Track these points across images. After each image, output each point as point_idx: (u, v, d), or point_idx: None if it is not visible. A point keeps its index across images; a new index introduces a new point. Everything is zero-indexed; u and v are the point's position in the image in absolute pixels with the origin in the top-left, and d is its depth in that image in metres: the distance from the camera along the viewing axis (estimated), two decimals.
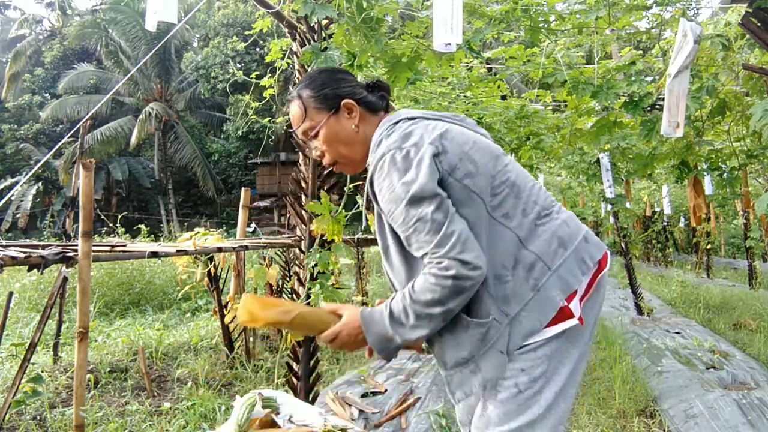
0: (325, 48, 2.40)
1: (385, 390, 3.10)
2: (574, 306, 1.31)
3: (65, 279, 3.17)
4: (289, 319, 1.37)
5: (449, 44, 1.70)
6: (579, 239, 1.37)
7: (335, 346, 1.39)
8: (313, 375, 2.76)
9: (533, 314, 1.30)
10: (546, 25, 2.95)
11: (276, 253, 5.59)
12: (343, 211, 2.42)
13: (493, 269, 1.30)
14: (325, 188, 2.70)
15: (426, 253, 1.27)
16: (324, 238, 2.56)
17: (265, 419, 1.87)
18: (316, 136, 1.49)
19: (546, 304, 1.30)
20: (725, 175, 4.19)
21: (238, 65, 23.65)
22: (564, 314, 1.30)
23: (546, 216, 1.37)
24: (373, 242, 5.28)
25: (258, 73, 4.21)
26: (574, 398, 1.39)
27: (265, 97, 3.84)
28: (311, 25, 2.72)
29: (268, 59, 3.61)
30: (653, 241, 14.72)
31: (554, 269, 1.31)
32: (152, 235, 11.08)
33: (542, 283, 1.30)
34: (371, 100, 1.50)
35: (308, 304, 2.64)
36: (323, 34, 2.68)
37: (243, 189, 5.07)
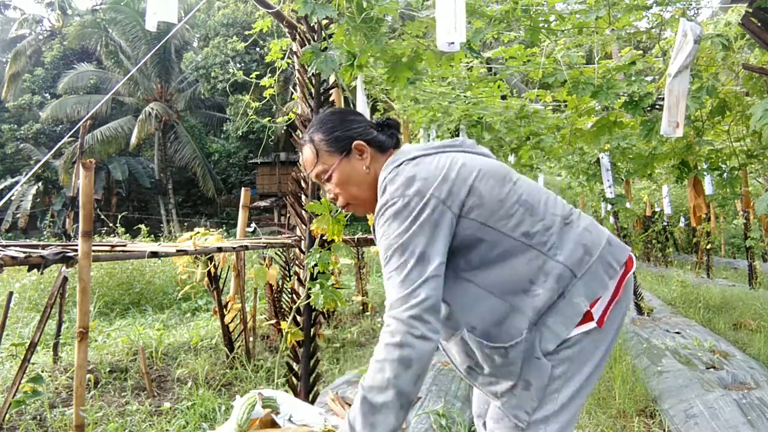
0: (325, 48, 2.40)
1: None
2: (596, 310, 1.33)
3: (65, 279, 3.17)
4: None
5: (452, 43, 1.69)
6: (603, 244, 1.38)
7: None
8: (313, 375, 2.76)
9: (559, 319, 1.31)
10: (546, 25, 2.96)
11: (276, 253, 5.59)
12: (343, 211, 2.42)
13: (521, 286, 1.31)
14: None
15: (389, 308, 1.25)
16: (324, 238, 2.57)
17: (265, 419, 1.87)
18: (329, 179, 1.48)
19: (571, 309, 1.31)
20: (725, 175, 4.20)
21: (238, 65, 23.67)
22: (587, 318, 1.32)
23: (567, 225, 1.38)
24: (373, 242, 5.27)
25: (258, 73, 4.21)
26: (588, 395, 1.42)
27: (265, 97, 3.84)
28: (311, 25, 2.72)
29: (268, 59, 3.61)
30: (653, 241, 14.73)
31: (580, 276, 1.32)
32: (152, 235, 11.07)
33: (568, 290, 1.31)
34: (381, 140, 1.50)
35: (308, 304, 2.64)
36: (323, 34, 2.68)
37: (243, 189, 5.07)
